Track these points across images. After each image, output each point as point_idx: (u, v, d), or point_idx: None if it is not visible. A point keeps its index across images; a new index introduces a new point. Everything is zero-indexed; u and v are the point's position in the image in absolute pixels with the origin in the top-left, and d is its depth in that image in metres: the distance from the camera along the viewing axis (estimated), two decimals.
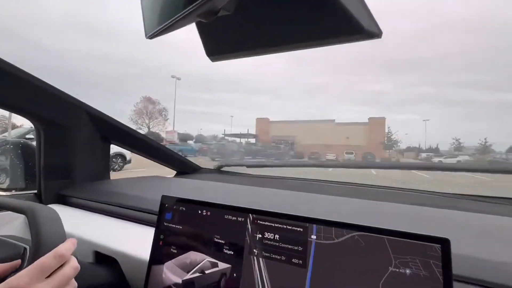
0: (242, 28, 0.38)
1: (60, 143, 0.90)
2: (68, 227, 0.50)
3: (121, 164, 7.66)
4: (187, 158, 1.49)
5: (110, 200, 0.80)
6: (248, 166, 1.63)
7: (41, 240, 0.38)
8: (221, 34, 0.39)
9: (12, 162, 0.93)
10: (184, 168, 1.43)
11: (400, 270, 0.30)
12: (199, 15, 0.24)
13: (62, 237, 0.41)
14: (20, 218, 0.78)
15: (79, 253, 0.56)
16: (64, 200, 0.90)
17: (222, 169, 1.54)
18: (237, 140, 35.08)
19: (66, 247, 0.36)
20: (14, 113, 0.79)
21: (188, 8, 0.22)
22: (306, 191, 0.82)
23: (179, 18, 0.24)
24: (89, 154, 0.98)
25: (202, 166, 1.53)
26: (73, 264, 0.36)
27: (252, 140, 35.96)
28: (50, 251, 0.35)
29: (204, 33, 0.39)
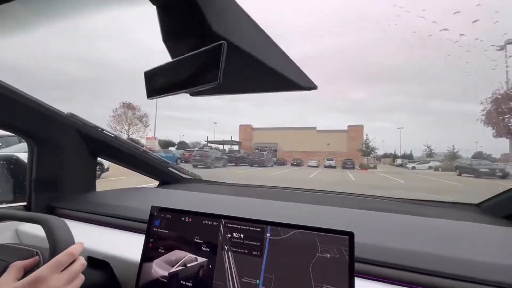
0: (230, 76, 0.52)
1: (51, 158, 0.97)
2: None
3: (99, 172, 7.42)
4: (174, 164, 1.59)
5: (97, 210, 0.89)
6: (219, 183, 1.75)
7: (57, 244, 0.47)
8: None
9: (2, 176, 0.98)
10: (167, 178, 1.51)
11: (324, 255, 0.44)
12: (187, 92, 0.37)
13: (72, 240, 0.51)
14: (7, 231, 0.84)
15: None
16: (53, 211, 0.96)
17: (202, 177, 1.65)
18: (220, 146, 34.94)
19: (76, 248, 0.46)
20: (9, 131, 0.85)
21: (182, 90, 0.35)
22: (270, 198, 1.00)
23: (175, 93, 0.37)
24: (77, 168, 1.05)
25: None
26: (81, 261, 0.46)
27: (236, 147, 35.97)
28: (63, 251, 0.45)
29: None
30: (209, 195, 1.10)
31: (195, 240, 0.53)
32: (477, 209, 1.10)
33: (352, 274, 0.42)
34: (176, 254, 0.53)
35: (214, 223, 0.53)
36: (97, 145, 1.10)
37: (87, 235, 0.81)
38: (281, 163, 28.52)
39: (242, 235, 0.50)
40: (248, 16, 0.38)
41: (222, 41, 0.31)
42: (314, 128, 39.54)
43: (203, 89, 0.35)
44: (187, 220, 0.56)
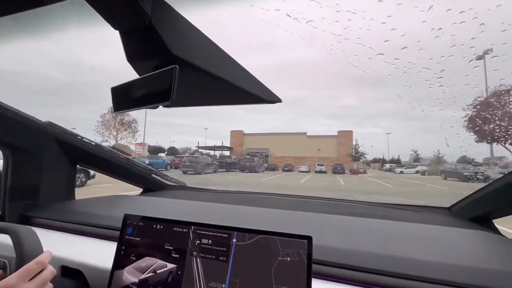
0: (185, 92, 0.54)
1: (27, 167, 0.96)
2: None
3: (84, 180, 7.23)
4: (158, 171, 1.59)
5: (74, 219, 0.89)
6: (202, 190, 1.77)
7: (24, 253, 0.48)
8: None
9: None
10: (151, 185, 1.51)
11: (285, 259, 0.47)
12: (153, 107, 0.40)
13: (40, 249, 0.52)
14: None
15: None
16: (28, 221, 0.95)
17: (187, 184, 1.66)
18: (212, 152, 34.73)
19: (45, 256, 0.47)
20: None
21: (142, 107, 0.38)
22: (247, 204, 1.03)
23: (136, 109, 0.39)
24: (55, 176, 1.05)
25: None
26: (50, 269, 0.47)
27: (227, 153, 35.85)
28: (32, 260, 0.46)
29: None
30: (190, 202, 1.11)
31: (166, 246, 0.55)
32: (448, 212, 1.15)
33: (309, 275, 0.44)
34: (147, 261, 0.55)
35: (184, 230, 0.55)
36: (76, 154, 1.10)
37: (62, 244, 0.80)
38: (272, 168, 28.58)
39: (210, 241, 0.52)
40: (206, 38, 0.41)
41: (174, 65, 0.34)
42: (305, 133, 39.97)
43: (162, 105, 0.37)
44: (158, 227, 0.57)
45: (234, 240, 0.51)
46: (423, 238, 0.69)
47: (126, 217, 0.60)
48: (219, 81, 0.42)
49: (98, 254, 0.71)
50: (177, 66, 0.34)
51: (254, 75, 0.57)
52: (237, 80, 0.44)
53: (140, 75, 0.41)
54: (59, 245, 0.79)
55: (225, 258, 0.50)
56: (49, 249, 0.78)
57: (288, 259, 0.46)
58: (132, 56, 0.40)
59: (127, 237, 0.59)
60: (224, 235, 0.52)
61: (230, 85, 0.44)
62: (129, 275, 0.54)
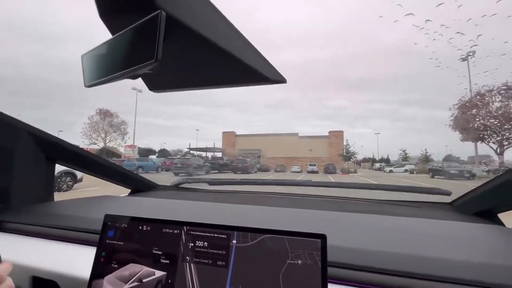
0: (177, 69, 0.46)
1: None
2: (1, 254, 0.50)
3: (70, 183, 6.96)
4: (149, 173, 1.49)
5: (51, 223, 0.79)
6: (207, 183, 1.69)
7: None
8: (159, 74, 0.47)
9: None
10: (139, 186, 1.41)
11: (295, 262, 0.40)
12: (129, 76, 0.32)
13: None
14: None
15: (15, 280, 0.56)
16: None
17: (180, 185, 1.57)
18: (203, 154, 34.35)
19: (2, 269, 0.38)
20: None
21: (118, 73, 0.30)
22: (243, 203, 0.94)
23: (112, 77, 0.32)
24: (29, 176, 0.94)
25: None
26: (9, 283, 0.38)
27: (219, 154, 35.56)
28: None
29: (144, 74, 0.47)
30: (183, 201, 1.03)
31: (154, 251, 0.47)
32: (450, 207, 1.12)
33: (325, 280, 0.38)
34: (130, 268, 0.46)
35: (175, 231, 0.47)
36: (54, 150, 0.99)
37: (35, 251, 0.71)
38: (264, 169, 28.52)
39: (206, 244, 0.45)
40: None
41: (158, 11, 0.27)
42: (297, 134, 40.18)
43: (146, 66, 0.30)
44: (145, 229, 0.49)
45: (234, 241, 0.44)
46: (427, 233, 0.65)
47: (107, 218, 0.52)
48: (217, 52, 0.35)
49: (76, 261, 0.62)
50: (163, 13, 0.27)
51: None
52: (240, 53, 0.37)
53: (113, 35, 0.33)
54: (31, 253, 0.69)
55: (223, 263, 0.43)
56: (21, 257, 0.69)
57: (299, 262, 0.39)
58: (106, 9, 0.32)
59: (107, 241, 0.50)
60: (222, 236, 0.44)
61: (231, 59, 0.37)
62: (110, 285, 0.46)
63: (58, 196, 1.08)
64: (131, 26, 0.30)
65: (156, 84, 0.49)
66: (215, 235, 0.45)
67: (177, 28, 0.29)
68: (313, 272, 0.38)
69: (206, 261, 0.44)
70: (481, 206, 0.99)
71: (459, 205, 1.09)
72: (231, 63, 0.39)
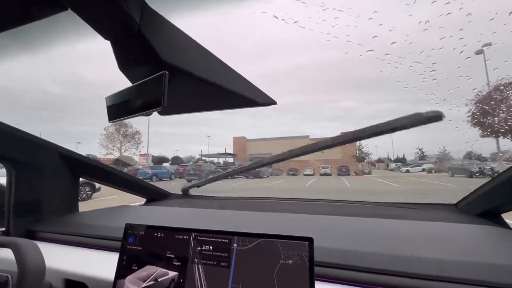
0: (181, 100, 0.55)
1: (30, 182, 0.97)
2: None
3: (89, 193, 7.27)
4: (163, 181, 1.59)
5: (78, 232, 0.89)
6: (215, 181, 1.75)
7: (25, 267, 0.48)
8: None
9: None
10: (153, 195, 1.51)
11: (286, 262, 0.46)
12: (142, 115, 0.40)
13: (42, 263, 0.51)
14: None
15: (52, 282, 0.65)
16: (33, 235, 0.95)
17: (190, 192, 1.65)
18: (215, 160, 34.76)
19: None
20: None
21: (135, 114, 0.38)
22: (249, 209, 1.02)
23: (130, 117, 0.40)
24: (58, 190, 1.05)
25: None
26: None
27: (230, 159, 35.84)
28: (33, 276, 0.45)
29: None
30: (192, 209, 1.11)
31: (167, 255, 0.54)
32: (455, 208, 1.12)
33: (312, 278, 0.43)
34: (148, 269, 0.54)
35: (185, 237, 0.55)
36: (78, 166, 1.10)
37: (65, 257, 0.80)
38: (276, 173, 28.41)
39: (211, 247, 0.52)
40: (196, 43, 0.41)
41: (163, 72, 0.35)
42: (307, 136, 39.81)
43: (155, 112, 0.38)
44: (159, 235, 0.57)
45: (235, 245, 0.50)
46: (430, 235, 0.68)
47: (127, 227, 0.60)
48: (211, 85, 0.42)
49: (101, 265, 0.71)
50: (166, 72, 0.34)
51: (249, 80, 0.58)
52: (229, 84, 0.45)
53: (132, 83, 0.41)
54: (63, 259, 0.79)
55: (226, 264, 0.49)
56: (55, 262, 0.79)
57: (290, 262, 0.46)
58: (124, 64, 0.40)
59: (128, 246, 0.59)
60: (225, 241, 0.51)
61: (222, 90, 0.45)
62: (131, 284, 0.54)
63: (80, 205, 1.20)
64: (143, 80, 0.38)
65: (164, 110, 0.58)
66: (219, 239, 0.52)
67: (176, 73, 0.37)
68: (302, 270, 0.44)
69: (211, 262, 0.51)
70: (484, 206, 0.99)
71: (463, 206, 1.09)
72: (223, 93, 0.47)
